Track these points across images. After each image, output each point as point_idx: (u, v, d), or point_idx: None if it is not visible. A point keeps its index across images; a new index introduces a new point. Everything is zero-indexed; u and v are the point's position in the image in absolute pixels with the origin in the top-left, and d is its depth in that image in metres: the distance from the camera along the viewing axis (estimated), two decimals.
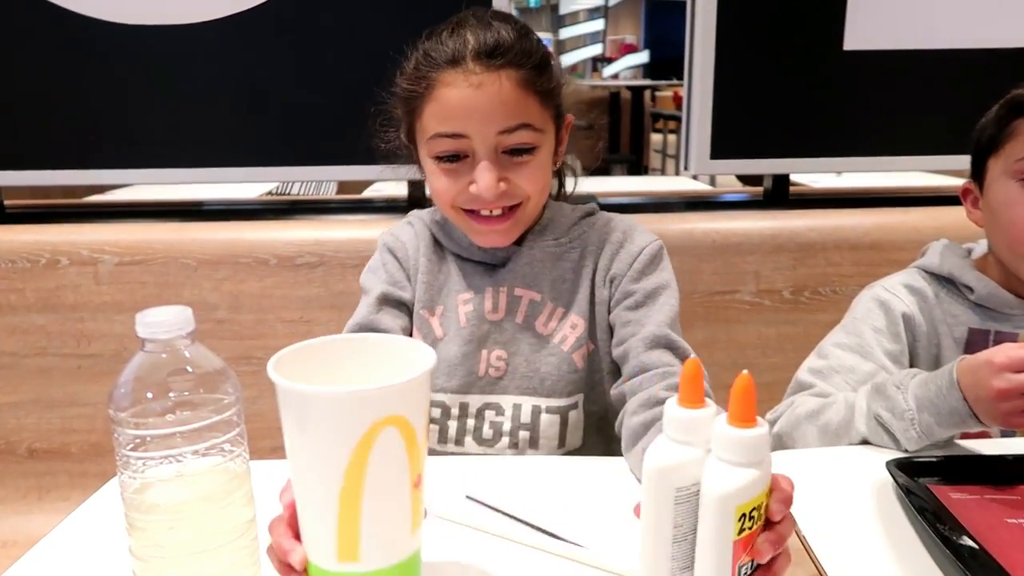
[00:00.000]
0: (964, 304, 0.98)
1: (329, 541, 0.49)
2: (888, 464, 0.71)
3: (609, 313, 0.93)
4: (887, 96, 1.51)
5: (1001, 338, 0.95)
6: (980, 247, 1.04)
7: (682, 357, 0.87)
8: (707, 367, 1.46)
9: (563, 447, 0.90)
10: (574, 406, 0.91)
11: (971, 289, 0.97)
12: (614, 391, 0.89)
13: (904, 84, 1.50)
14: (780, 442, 0.91)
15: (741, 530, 0.48)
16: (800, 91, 1.52)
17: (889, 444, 0.81)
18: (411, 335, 0.94)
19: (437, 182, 0.87)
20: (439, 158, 0.85)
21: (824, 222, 1.45)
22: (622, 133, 5.98)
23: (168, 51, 1.42)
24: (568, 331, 0.92)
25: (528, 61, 0.84)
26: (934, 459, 0.73)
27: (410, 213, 1.02)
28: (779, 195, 1.61)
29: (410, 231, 0.98)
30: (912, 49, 1.50)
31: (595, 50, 8.12)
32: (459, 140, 0.84)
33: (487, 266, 0.94)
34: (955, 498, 0.68)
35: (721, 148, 1.53)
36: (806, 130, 1.54)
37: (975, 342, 0.96)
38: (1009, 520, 0.65)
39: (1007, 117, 0.94)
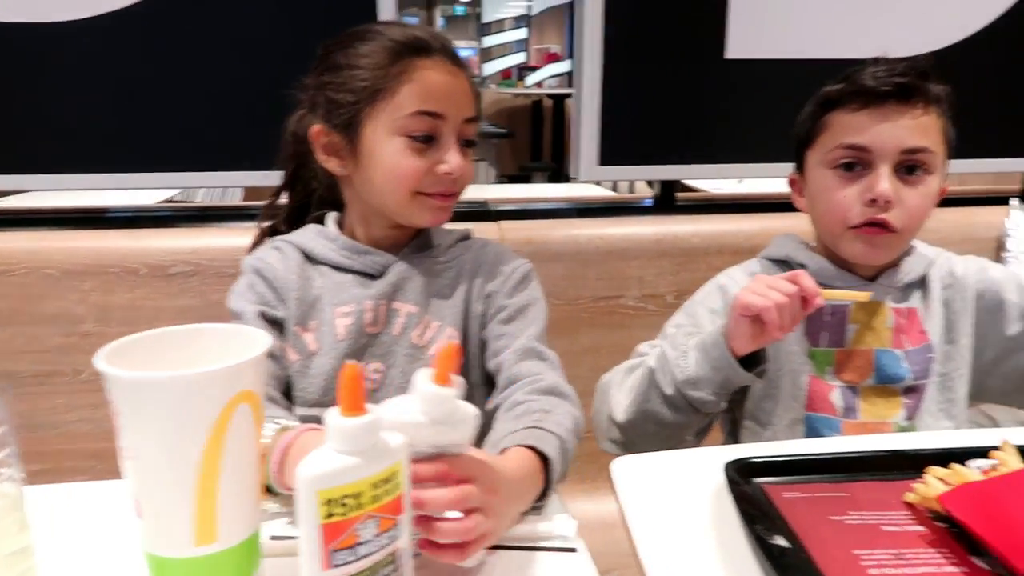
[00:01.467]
0: None
1: (185, 527, 0.50)
2: (726, 465, 0.71)
3: (482, 329, 0.96)
4: (768, 103, 1.55)
5: (835, 310, 1.01)
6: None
7: (552, 366, 0.91)
8: (593, 372, 1.47)
9: None
10: None
11: (804, 267, 1.01)
12: (489, 406, 0.90)
13: (783, 91, 1.54)
14: (600, 394, 1.02)
15: (329, 515, 0.50)
16: (685, 99, 1.55)
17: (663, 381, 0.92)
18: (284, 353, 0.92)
19: (404, 161, 0.89)
20: (413, 137, 0.89)
21: (707, 227, 1.48)
22: (543, 141, 6.02)
23: (46, 50, 1.35)
24: (443, 342, 0.93)
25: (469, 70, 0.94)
26: (773, 459, 0.74)
27: (273, 239, 1.00)
28: (666, 201, 1.64)
29: (276, 254, 0.97)
30: (791, 58, 1.54)
31: (519, 59, 8.16)
32: (437, 120, 0.89)
33: (363, 277, 0.94)
34: (786, 497, 0.69)
35: (609, 155, 1.55)
36: (691, 137, 1.57)
37: (814, 315, 0.97)
38: (832, 517, 0.66)
39: (818, 112, 1.01)
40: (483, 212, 1.55)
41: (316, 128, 0.93)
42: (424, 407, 0.55)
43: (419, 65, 0.89)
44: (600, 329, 1.45)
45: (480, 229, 1.38)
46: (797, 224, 1.10)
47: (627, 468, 0.77)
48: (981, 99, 1.61)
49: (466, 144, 0.93)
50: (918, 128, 0.95)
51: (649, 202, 1.71)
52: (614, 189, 2.91)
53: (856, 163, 0.97)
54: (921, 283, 1.04)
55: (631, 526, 0.67)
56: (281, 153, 1.02)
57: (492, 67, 8.09)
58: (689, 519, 0.69)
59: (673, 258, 1.45)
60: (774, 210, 1.55)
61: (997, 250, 1.54)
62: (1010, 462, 0.66)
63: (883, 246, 0.98)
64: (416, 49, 0.89)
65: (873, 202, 0.94)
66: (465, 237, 1.03)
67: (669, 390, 0.93)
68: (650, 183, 1.69)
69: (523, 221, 1.45)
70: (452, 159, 0.90)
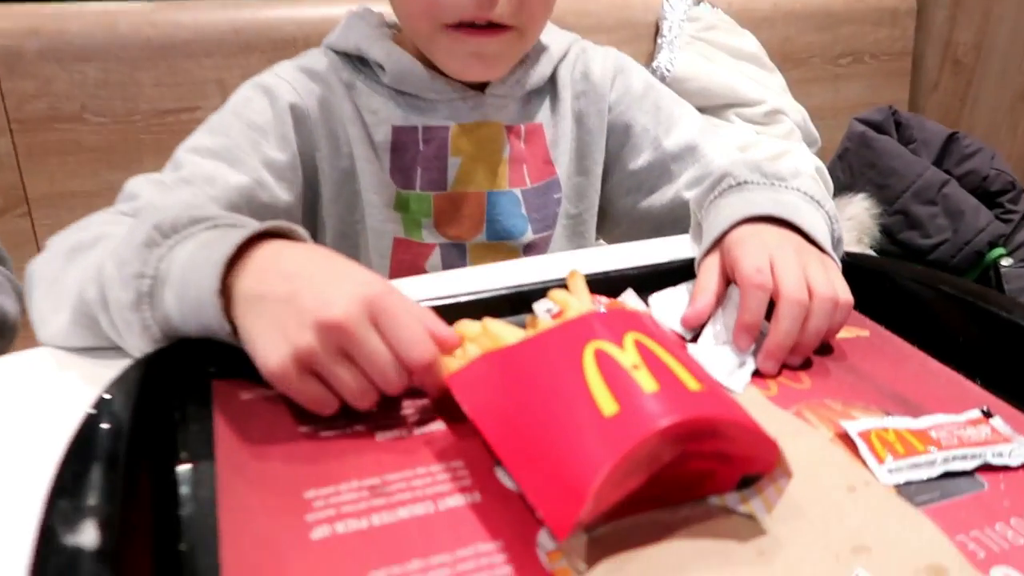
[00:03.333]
0: (384, 93, 0.70)
1: None
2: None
3: None
4: None
5: (431, 135, 0.70)
6: None
7: None
8: None
9: None
10: None
11: (383, 68, 0.68)
12: None
13: None
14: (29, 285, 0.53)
15: None
16: None
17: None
18: None
19: None
20: None
21: (308, 12, 1.12)
22: None
23: None
24: None
25: None
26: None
27: None
28: None
29: None
30: None
31: None
32: None
33: None
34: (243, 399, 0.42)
35: None
36: None
37: (403, 144, 0.70)
38: (300, 428, 0.40)
39: None
40: None
41: None
42: None
43: None
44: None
45: None
46: None
47: None
48: None
49: None
50: None
51: None
52: None
53: None
54: (550, 87, 0.74)
55: None
56: None
57: None
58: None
59: (264, 53, 1.09)
60: None
61: (655, 35, 1.36)
62: (570, 304, 0.43)
63: (495, 57, 0.66)
64: None
65: None
66: None
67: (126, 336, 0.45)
68: None
69: (25, 3, 1.00)
70: None
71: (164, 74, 1.04)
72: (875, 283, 0.55)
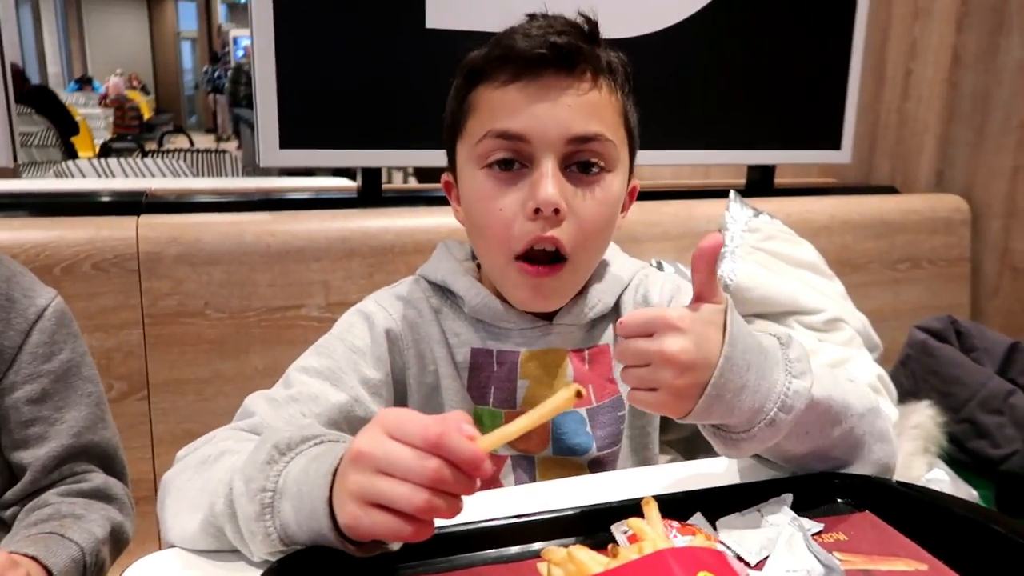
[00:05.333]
0: (465, 319, 0.79)
1: None
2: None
3: None
4: None
5: (504, 358, 0.78)
6: None
7: None
8: None
9: None
10: None
11: (463, 299, 0.78)
12: None
13: None
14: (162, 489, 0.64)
15: None
16: (382, 74, 1.32)
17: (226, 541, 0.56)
18: None
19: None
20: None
21: (404, 222, 1.26)
22: None
23: None
24: None
25: None
26: (320, 554, 0.52)
27: None
28: (370, 192, 1.41)
29: None
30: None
31: None
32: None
33: None
34: None
35: (292, 138, 1.29)
36: (395, 119, 1.35)
37: (480, 365, 0.78)
38: None
39: (463, 88, 0.76)
40: (121, 204, 1.24)
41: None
42: None
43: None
44: (277, 346, 1.19)
45: (115, 224, 1.12)
46: None
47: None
48: (699, 89, 1.55)
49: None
50: (586, 108, 0.71)
51: (337, 194, 1.47)
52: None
53: (514, 159, 0.72)
54: (613, 313, 0.82)
55: None
56: None
57: None
58: None
59: (364, 258, 1.22)
60: None
61: None
62: (646, 532, 0.48)
63: (552, 292, 0.75)
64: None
65: (537, 212, 0.70)
66: None
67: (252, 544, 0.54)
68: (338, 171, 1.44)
69: (169, 216, 1.16)
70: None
71: (278, 275, 1.18)
72: (931, 515, 0.59)
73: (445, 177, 0.83)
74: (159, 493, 0.64)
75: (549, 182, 0.70)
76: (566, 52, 0.71)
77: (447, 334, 0.79)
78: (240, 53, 10.16)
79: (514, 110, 0.71)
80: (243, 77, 7.60)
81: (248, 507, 0.52)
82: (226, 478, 0.55)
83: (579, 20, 0.73)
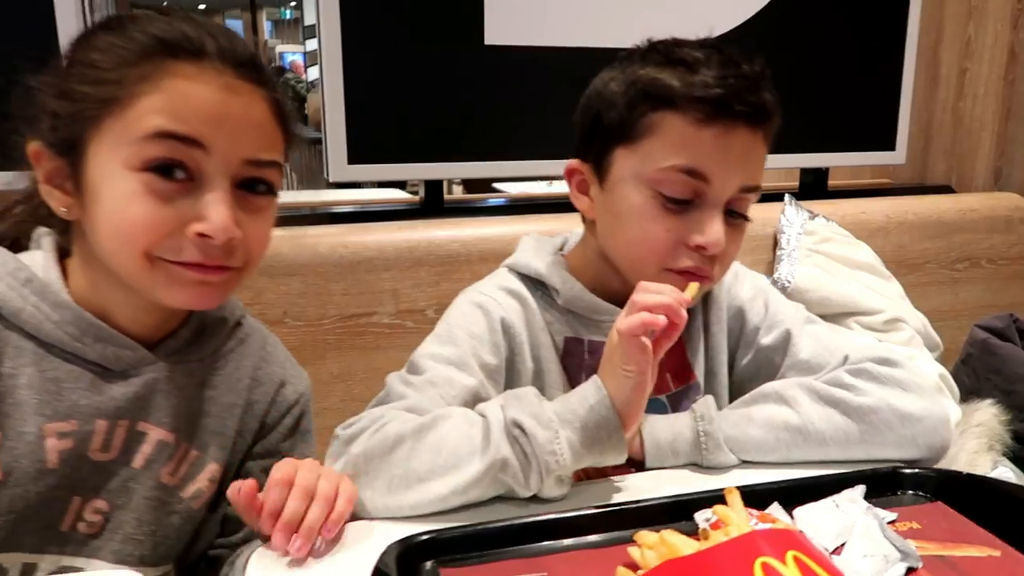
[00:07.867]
0: (560, 309, 0.85)
1: None
2: (386, 552, 0.53)
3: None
4: (540, 97, 1.41)
5: (594, 348, 0.83)
6: (574, 236, 0.92)
7: None
8: (344, 402, 1.25)
9: None
10: None
11: (558, 292, 0.84)
12: None
13: (556, 84, 1.42)
14: (361, 467, 0.69)
15: None
16: (443, 90, 1.38)
17: (515, 481, 0.65)
18: None
19: (136, 207, 0.63)
20: (151, 170, 0.63)
21: (469, 232, 1.31)
22: None
23: None
24: (204, 483, 0.73)
25: None
26: (446, 535, 0.56)
27: None
28: (433, 204, 1.46)
29: None
30: (559, 46, 1.42)
31: None
32: (191, 149, 0.63)
33: (98, 373, 0.68)
34: None
35: (360, 153, 1.35)
36: (455, 133, 1.40)
37: (572, 352, 0.84)
38: None
39: (645, 105, 0.77)
40: None
41: (34, 147, 0.67)
42: None
43: (174, 71, 0.63)
44: (351, 352, 1.25)
45: None
46: (572, 225, 0.93)
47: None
48: None
49: (255, 189, 0.68)
50: (758, 161, 0.78)
51: (399, 206, 1.53)
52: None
53: (692, 199, 0.77)
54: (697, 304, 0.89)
55: None
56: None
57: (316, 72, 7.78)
58: None
59: (432, 267, 1.27)
60: (550, 210, 1.42)
61: (773, 247, 1.48)
62: (731, 517, 0.52)
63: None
64: (176, 48, 0.63)
65: (700, 248, 0.76)
66: (238, 323, 0.81)
67: (531, 487, 0.66)
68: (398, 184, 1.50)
69: None
70: (215, 213, 0.63)
71: (351, 285, 1.23)
72: (1005, 505, 0.61)
73: (574, 165, 0.85)
74: (353, 471, 0.68)
75: (719, 225, 0.76)
76: (762, 111, 0.77)
77: (546, 322, 0.84)
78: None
79: (707, 153, 0.76)
80: (289, 91, 7.81)
81: (539, 432, 0.64)
82: (502, 425, 0.66)
83: (756, 70, 0.78)
